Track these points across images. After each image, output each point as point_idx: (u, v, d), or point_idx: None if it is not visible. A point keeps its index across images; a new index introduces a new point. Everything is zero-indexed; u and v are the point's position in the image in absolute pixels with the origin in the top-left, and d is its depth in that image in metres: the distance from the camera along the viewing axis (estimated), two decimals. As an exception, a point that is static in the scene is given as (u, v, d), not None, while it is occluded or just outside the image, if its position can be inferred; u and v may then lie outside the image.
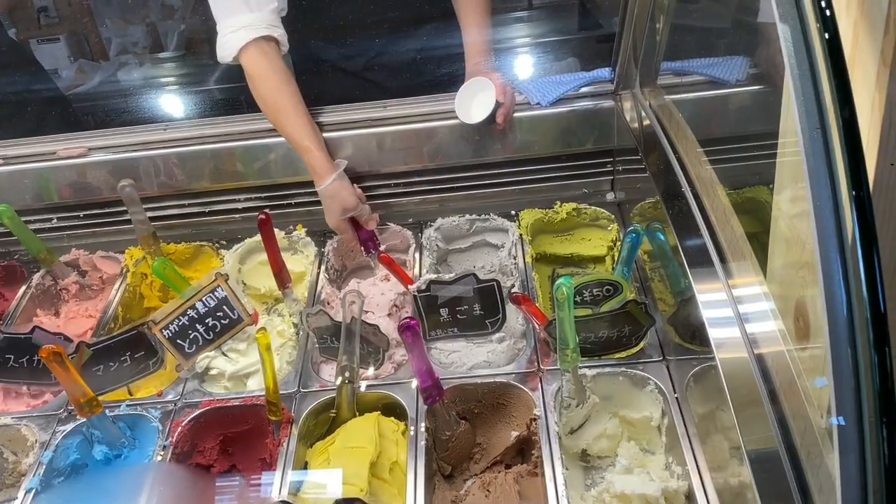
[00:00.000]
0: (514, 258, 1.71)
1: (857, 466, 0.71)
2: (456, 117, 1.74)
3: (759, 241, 1.14)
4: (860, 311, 0.69)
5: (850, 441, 0.71)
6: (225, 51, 1.61)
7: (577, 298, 1.40)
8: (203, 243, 1.85)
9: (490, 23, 1.89)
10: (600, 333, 1.40)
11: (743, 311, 1.09)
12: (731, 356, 1.07)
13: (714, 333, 1.10)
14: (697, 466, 1.23)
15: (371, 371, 1.45)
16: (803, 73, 0.76)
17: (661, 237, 1.45)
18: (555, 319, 1.31)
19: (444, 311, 1.44)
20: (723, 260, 1.17)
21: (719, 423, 1.22)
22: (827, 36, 0.73)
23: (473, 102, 1.70)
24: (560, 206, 1.81)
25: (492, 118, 1.67)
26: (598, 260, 1.82)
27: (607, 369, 1.40)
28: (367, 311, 1.55)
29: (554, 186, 1.87)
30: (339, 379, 1.36)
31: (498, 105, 1.67)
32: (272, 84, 1.62)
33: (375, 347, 1.42)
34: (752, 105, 1.64)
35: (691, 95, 1.68)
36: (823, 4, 0.74)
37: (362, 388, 1.41)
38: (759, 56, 1.66)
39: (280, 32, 1.64)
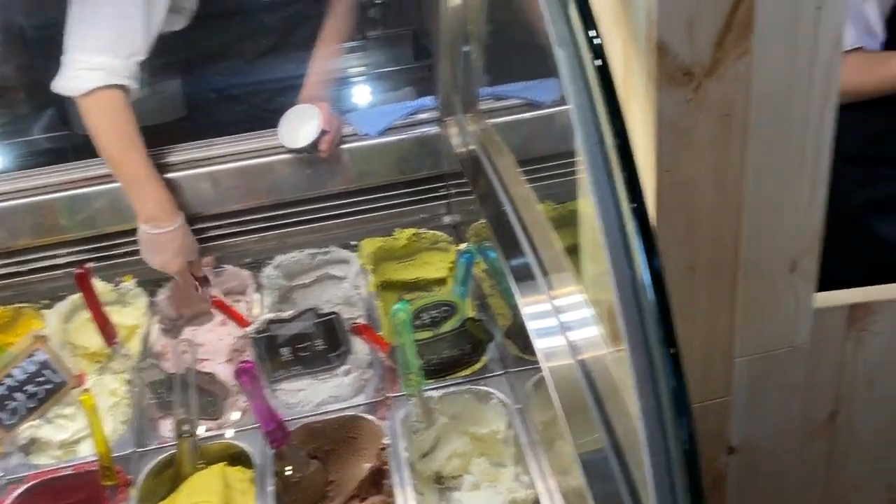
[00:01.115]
0: (358, 289, 1.71)
1: (662, 455, 0.75)
2: (290, 151, 1.75)
3: (579, 251, 1.20)
4: (649, 312, 0.74)
5: (655, 433, 0.75)
6: (70, 85, 1.55)
7: (417, 322, 1.42)
8: (23, 305, 1.72)
9: (339, 55, 1.91)
10: (443, 354, 1.42)
11: (565, 319, 1.14)
12: (557, 364, 1.12)
13: (540, 344, 1.14)
14: (543, 474, 1.27)
15: (213, 421, 1.40)
16: (580, 91, 0.81)
17: (492, 255, 1.50)
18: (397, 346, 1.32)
19: (285, 351, 1.41)
20: (545, 273, 1.22)
21: (559, 429, 1.27)
22: (599, 62, 0.78)
23: (299, 129, 1.71)
24: (399, 233, 1.83)
25: (315, 146, 1.69)
26: (442, 282, 1.85)
27: (452, 388, 1.42)
28: (205, 359, 1.50)
29: (392, 214, 1.89)
30: (178, 433, 1.31)
31: (323, 133, 1.68)
32: (116, 130, 1.58)
33: (214, 396, 1.37)
34: (564, 124, 1.73)
35: (510, 118, 1.76)
36: (593, 33, 0.79)
37: (213, 439, 1.36)
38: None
39: (136, 86, 1.60)
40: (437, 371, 1.42)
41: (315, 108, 1.69)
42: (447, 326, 1.42)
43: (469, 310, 1.56)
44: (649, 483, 0.77)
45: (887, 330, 1.05)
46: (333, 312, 1.41)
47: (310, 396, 1.43)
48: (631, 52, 0.86)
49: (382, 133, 1.78)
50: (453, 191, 1.86)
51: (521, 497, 1.25)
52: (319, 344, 1.42)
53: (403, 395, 1.39)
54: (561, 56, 0.84)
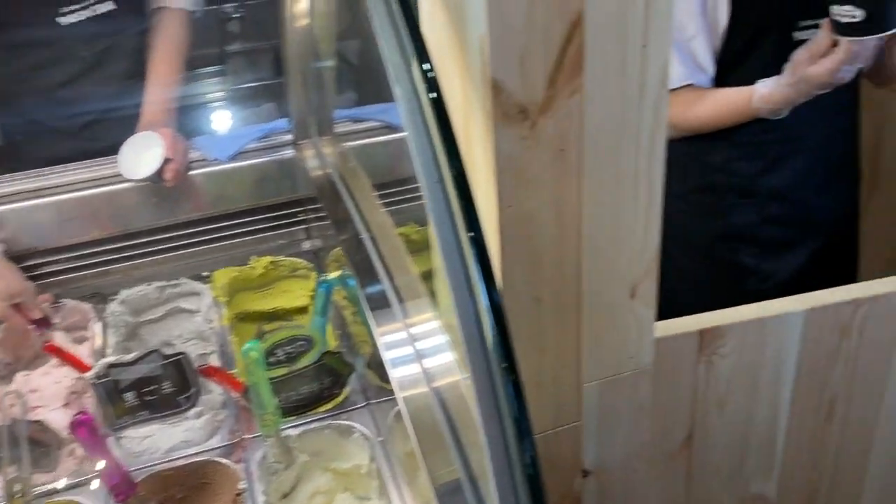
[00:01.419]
0: (211, 322, 1.63)
1: (508, 480, 0.75)
2: (137, 179, 1.65)
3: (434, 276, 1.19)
4: (490, 340, 0.74)
5: (499, 458, 0.75)
6: None
7: (271, 359, 1.37)
8: None
9: (177, 79, 1.83)
10: (301, 390, 1.37)
11: (420, 347, 1.13)
12: (413, 393, 1.10)
13: (396, 374, 1.12)
14: (407, 506, 1.25)
15: (48, 474, 1.28)
16: (418, 130, 0.80)
17: (352, 283, 1.47)
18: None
19: (129, 396, 1.32)
20: (401, 300, 1.21)
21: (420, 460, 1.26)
22: (433, 96, 0.77)
23: (140, 158, 1.61)
24: (256, 261, 1.76)
25: (159, 175, 1.60)
26: (304, 311, 1.80)
27: (313, 425, 1.37)
28: (38, 406, 1.37)
29: (249, 241, 1.82)
30: (9, 495, 1.19)
31: (167, 161, 1.59)
32: None
33: (46, 446, 1.26)
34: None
35: (367, 142, 1.74)
36: (427, 66, 0.79)
37: (50, 495, 1.25)
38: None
39: None
40: (295, 408, 1.37)
41: (157, 136, 1.60)
42: (304, 361, 1.38)
43: (331, 340, 1.53)
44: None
45: (735, 352, 1.11)
46: (181, 353, 1.33)
47: (158, 443, 1.34)
48: (469, 89, 0.86)
49: (234, 157, 1.71)
50: (312, 216, 1.82)
51: (384, 533, 1.23)
52: (167, 386, 1.34)
53: (260, 435, 1.33)
54: (398, 93, 0.83)
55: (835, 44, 1.09)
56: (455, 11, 0.85)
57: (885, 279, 1.17)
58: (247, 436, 1.35)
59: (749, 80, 1.23)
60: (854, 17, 1.03)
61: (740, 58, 1.25)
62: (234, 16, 3.51)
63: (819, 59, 1.11)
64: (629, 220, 0.93)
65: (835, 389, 1.19)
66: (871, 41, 1.09)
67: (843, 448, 1.26)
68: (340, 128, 1.75)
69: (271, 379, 1.31)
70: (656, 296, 1.01)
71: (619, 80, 0.84)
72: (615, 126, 0.86)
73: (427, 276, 1.24)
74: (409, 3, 0.81)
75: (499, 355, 0.74)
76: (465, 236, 0.76)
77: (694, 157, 1.38)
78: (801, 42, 1.23)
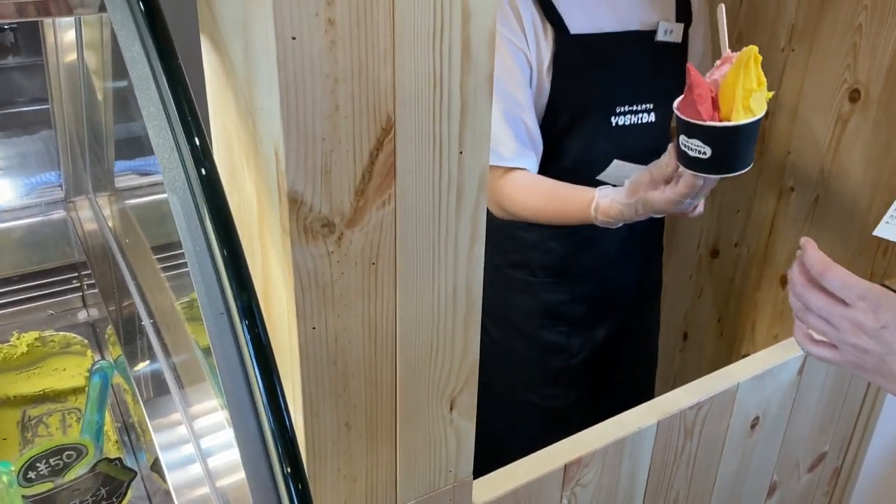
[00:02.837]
0: (-41, 417, 1.36)
1: None
2: None
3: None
4: (276, 454, 0.63)
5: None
6: None
7: (31, 474, 1.14)
8: None
9: None
10: (71, 505, 1.16)
11: (205, 445, 0.99)
12: (193, 496, 0.96)
13: (173, 478, 0.98)
14: None
15: None
16: (200, 252, 0.66)
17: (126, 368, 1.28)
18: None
19: None
20: (181, 385, 1.06)
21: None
22: (218, 216, 0.65)
23: None
24: (18, 338, 1.50)
25: None
26: (80, 391, 1.56)
27: (86, 546, 1.17)
28: None
29: (10, 314, 1.55)
30: None
31: None
32: None
33: None
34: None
35: (155, 198, 1.54)
36: (206, 169, 0.66)
37: None
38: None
39: None
40: (64, 526, 1.16)
41: None
42: (75, 472, 1.17)
43: (110, 434, 1.32)
44: None
45: (596, 478, 1.07)
46: None
47: None
48: (265, 201, 0.73)
49: (-14, 219, 1.45)
50: (88, 282, 1.58)
51: None
52: None
53: (17, 567, 1.11)
54: (175, 204, 0.70)
55: (677, 168, 1.01)
56: (244, 100, 0.72)
57: (714, 374, 1.19)
58: (-1, 570, 1.12)
59: (569, 160, 1.20)
60: (703, 153, 0.94)
61: (561, 137, 1.21)
62: (5, 27, 3.09)
63: (660, 185, 1.04)
64: (448, 334, 0.84)
65: (678, 488, 1.19)
66: (716, 179, 1.01)
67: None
68: (123, 182, 1.54)
69: (32, 497, 1.09)
70: (476, 403, 0.93)
71: (434, 189, 0.75)
72: (432, 236, 0.78)
73: (209, 352, 1.09)
74: (183, 83, 0.67)
75: (283, 463, 0.64)
76: (252, 371, 0.65)
77: (511, 233, 1.34)
78: (620, 126, 1.21)
